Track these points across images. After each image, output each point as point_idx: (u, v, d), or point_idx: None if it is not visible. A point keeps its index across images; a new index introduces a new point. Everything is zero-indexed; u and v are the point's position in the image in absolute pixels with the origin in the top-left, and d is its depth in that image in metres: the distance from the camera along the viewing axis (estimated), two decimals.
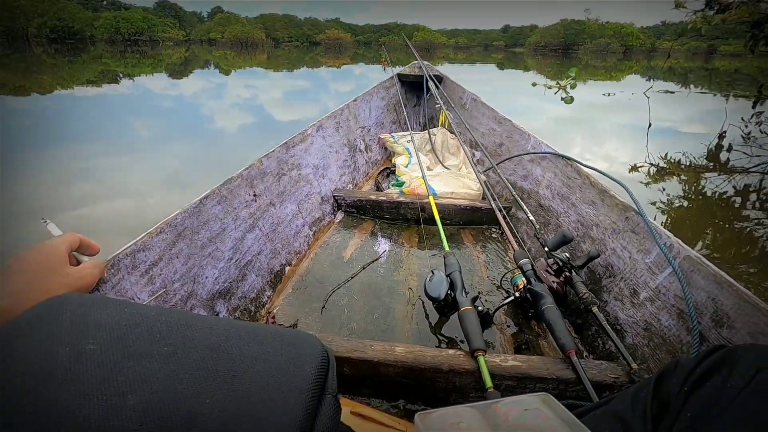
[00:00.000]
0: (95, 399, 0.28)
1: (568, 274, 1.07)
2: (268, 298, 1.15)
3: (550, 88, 10.07)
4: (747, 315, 0.72)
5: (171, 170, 3.42)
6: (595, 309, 0.96)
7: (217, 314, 0.97)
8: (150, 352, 0.32)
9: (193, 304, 0.91)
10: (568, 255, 1.10)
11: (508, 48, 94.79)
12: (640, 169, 3.69)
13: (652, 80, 14.70)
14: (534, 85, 11.09)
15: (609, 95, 9.22)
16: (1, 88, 7.88)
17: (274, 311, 1.11)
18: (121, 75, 12.17)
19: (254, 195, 1.22)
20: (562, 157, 1.49)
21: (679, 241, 0.92)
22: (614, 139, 5.17)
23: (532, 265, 1.09)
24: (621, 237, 1.10)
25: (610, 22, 76.10)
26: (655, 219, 1.03)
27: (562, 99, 8.23)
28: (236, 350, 0.35)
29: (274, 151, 1.38)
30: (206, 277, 0.97)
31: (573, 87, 9.89)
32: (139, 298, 0.79)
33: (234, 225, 1.10)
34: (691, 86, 12.54)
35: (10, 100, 6.60)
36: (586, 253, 1.09)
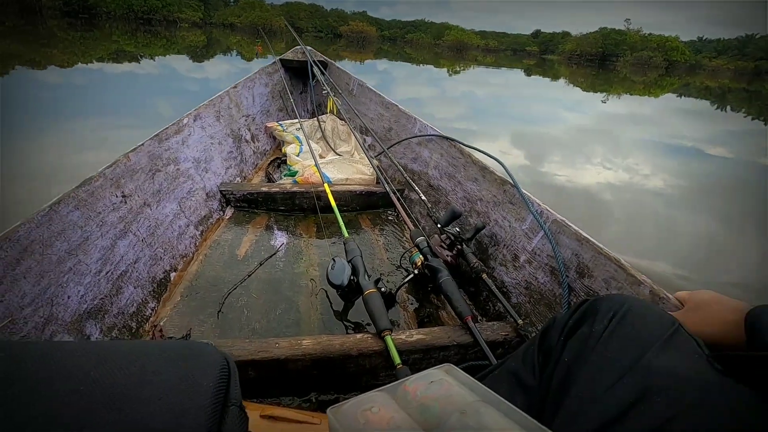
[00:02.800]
0: None
1: (459, 247, 1.15)
2: (152, 310, 1.03)
3: None
4: (602, 265, 0.85)
5: None
6: (484, 276, 1.05)
7: (88, 337, 0.83)
8: None
9: (53, 330, 0.77)
10: (458, 229, 1.18)
11: (540, 54, 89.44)
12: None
13: (683, 97, 14.59)
14: None
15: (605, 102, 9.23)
16: (16, 60, 7.45)
17: (161, 324, 0.99)
18: (141, 55, 11.31)
19: (123, 196, 1.06)
20: (446, 138, 1.58)
21: (548, 207, 1.05)
22: (636, 152, 5.07)
23: (427, 243, 1.15)
24: (501, 208, 1.21)
25: (653, 34, 70.22)
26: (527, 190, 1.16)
27: None
28: (112, 377, 0.29)
29: (143, 144, 1.21)
30: (68, 297, 0.82)
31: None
32: None
33: (100, 232, 0.95)
34: (728, 107, 12.48)
35: (31, 73, 6.40)
36: (473, 226, 1.18)
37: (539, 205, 1.07)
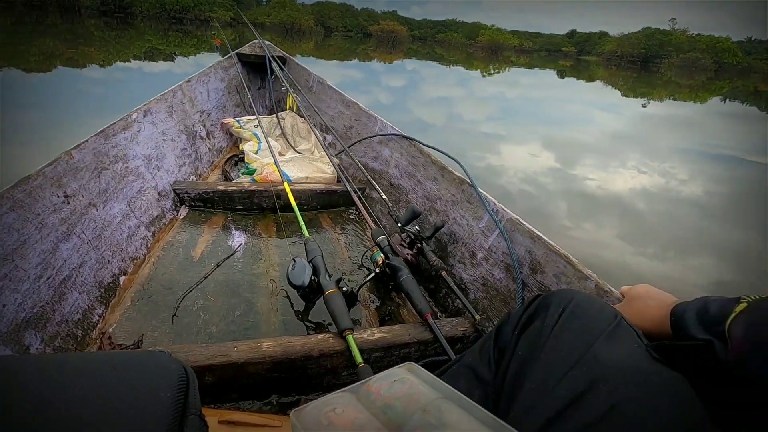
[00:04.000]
0: None
1: (419, 245, 1.17)
2: (100, 316, 0.97)
3: None
4: (552, 261, 0.90)
5: None
6: (444, 273, 1.08)
7: (27, 348, 0.78)
8: None
9: None
10: (418, 228, 1.20)
11: (577, 55, 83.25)
12: None
13: (728, 101, 13.79)
14: None
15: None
16: (57, 59, 7.56)
17: (109, 331, 0.94)
18: (174, 54, 10.96)
19: (65, 196, 0.99)
20: (406, 138, 1.60)
21: (503, 206, 1.09)
22: (674, 157, 4.88)
23: (388, 241, 1.16)
24: (460, 207, 1.25)
25: (701, 35, 64.51)
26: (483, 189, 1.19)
27: None
28: (60, 392, 0.28)
29: (87, 141, 1.13)
30: (3, 306, 0.76)
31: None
32: None
33: (39, 235, 0.88)
34: None
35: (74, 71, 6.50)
36: (433, 224, 1.20)
37: (495, 204, 1.11)
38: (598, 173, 3.93)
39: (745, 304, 0.43)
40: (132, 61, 8.83)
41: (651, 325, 0.56)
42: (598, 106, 9.56)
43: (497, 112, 7.55)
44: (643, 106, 10.13)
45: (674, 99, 13.00)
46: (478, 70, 19.93)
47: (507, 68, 23.82)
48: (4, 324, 0.75)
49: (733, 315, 0.43)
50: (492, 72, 19.59)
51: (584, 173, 3.89)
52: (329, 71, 11.73)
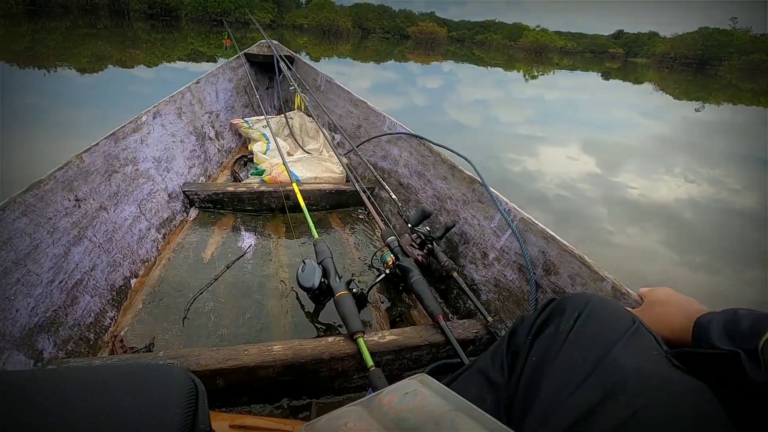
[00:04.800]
0: None
1: (430, 246, 1.15)
2: (112, 320, 0.98)
3: None
4: (567, 262, 0.88)
5: None
6: (455, 274, 1.06)
7: (41, 352, 0.78)
8: None
9: (1, 347, 0.71)
10: (428, 228, 1.18)
11: (626, 57, 77.97)
12: None
13: None
14: None
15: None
16: (107, 60, 8.18)
17: (121, 334, 0.95)
18: (217, 56, 11.40)
19: (76, 199, 1.00)
20: (415, 136, 1.58)
21: (515, 206, 1.07)
22: (726, 165, 4.58)
23: (398, 242, 1.15)
24: (470, 207, 1.23)
25: (767, 35, 58.29)
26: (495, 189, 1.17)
27: None
28: (69, 407, 0.27)
29: (98, 144, 1.14)
30: (17, 310, 0.76)
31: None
32: None
33: (51, 239, 0.89)
34: None
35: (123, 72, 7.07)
36: (443, 224, 1.19)
37: (507, 203, 1.09)
38: (641, 180, 3.76)
39: None
40: (177, 62, 9.19)
41: (671, 333, 0.54)
42: (643, 110, 9.16)
43: (536, 115, 7.35)
44: (697, 110, 9.56)
45: (733, 104, 12.02)
46: (520, 72, 19.23)
47: (552, 71, 22.77)
48: (18, 329, 0.76)
49: None
50: (536, 74, 18.92)
51: (626, 180, 3.72)
52: (366, 72, 11.89)
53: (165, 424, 0.28)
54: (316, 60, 14.40)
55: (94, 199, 1.06)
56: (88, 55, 8.68)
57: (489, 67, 20.92)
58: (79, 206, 1.00)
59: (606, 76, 22.59)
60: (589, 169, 4.00)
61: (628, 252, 2.39)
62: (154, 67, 8.09)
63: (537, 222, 0.99)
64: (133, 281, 1.10)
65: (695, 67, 54.88)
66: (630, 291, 0.75)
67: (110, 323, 0.97)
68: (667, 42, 66.41)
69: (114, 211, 1.12)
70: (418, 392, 0.38)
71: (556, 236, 0.93)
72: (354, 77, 10.60)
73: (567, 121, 7.20)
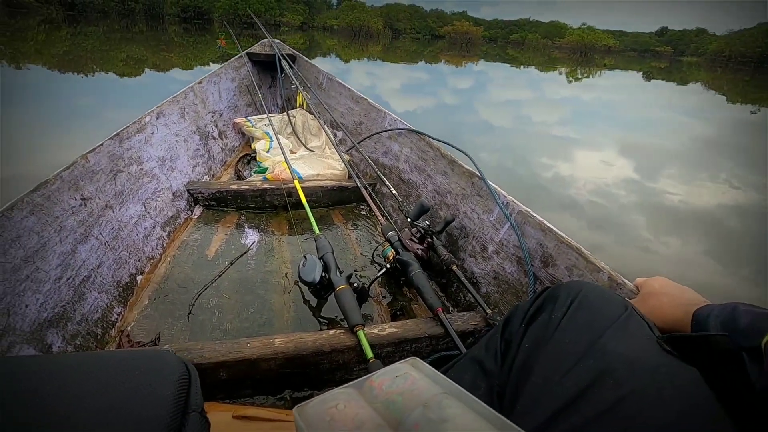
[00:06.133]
0: None
1: (430, 240, 1.16)
2: (119, 315, 1.00)
3: None
4: (564, 254, 0.89)
5: None
6: (454, 267, 1.07)
7: (50, 347, 0.81)
8: None
9: (11, 341, 0.74)
10: (428, 222, 1.19)
11: (675, 55, 73.66)
12: None
13: None
14: None
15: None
16: (144, 64, 8.55)
17: (128, 329, 0.97)
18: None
19: (82, 199, 1.02)
20: (415, 132, 1.59)
21: (514, 199, 1.08)
22: None
23: (398, 237, 1.16)
24: (470, 201, 1.24)
25: None
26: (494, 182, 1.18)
27: None
28: (63, 390, 0.29)
29: (102, 144, 1.16)
30: (26, 306, 0.79)
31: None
32: None
33: (58, 237, 0.91)
34: None
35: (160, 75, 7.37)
36: (443, 218, 1.20)
37: (505, 196, 1.10)
38: (682, 186, 3.59)
39: None
40: (211, 64, 9.31)
41: (666, 323, 0.55)
42: (687, 111, 8.76)
43: (570, 116, 7.12)
44: (753, 113, 8.82)
45: None
46: (562, 72, 18.41)
47: (598, 72, 21.38)
48: (28, 324, 0.78)
49: None
50: (580, 77, 17.73)
51: (665, 186, 3.53)
52: (396, 74, 11.91)
53: (157, 404, 0.29)
54: (346, 62, 14.33)
55: (99, 198, 1.08)
56: (125, 58, 9.08)
57: (524, 67, 20.18)
58: (85, 205, 1.02)
59: (648, 76, 21.27)
60: (625, 174, 3.84)
61: (667, 261, 2.30)
62: (189, 70, 8.38)
63: (535, 214, 1.00)
64: (138, 278, 1.12)
65: (753, 66, 50.17)
66: (626, 281, 0.76)
67: (117, 318, 0.99)
68: (722, 39, 61.22)
69: (119, 209, 1.14)
70: (409, 375, 0.39)
71: (554, 228, 0.93)
72: (384, 77, 10.67)
73: (603, 122, 6.93)
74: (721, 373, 0.43)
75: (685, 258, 2.38)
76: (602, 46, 67.83)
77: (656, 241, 2.53)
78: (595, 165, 4.14)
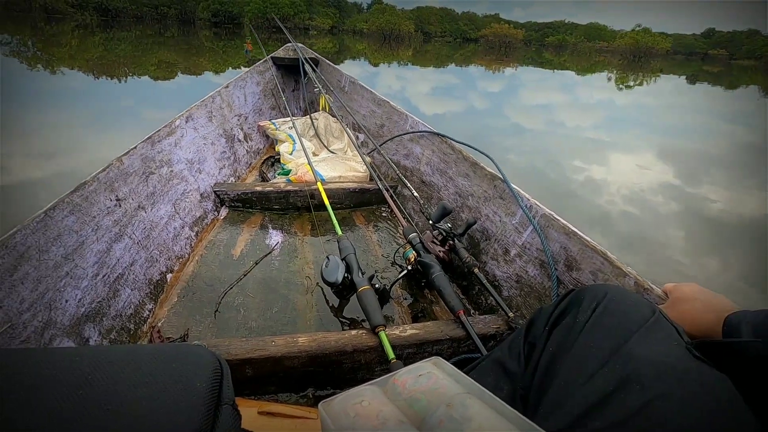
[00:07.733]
0: None
1: (451, 242, 1.16)
2: (150, 311, 1.04)
3: None
4: (588, 258, 0.88)
5: None
6: (476, 270, 1.07)
7: (87, 340, 0.85)
8: None
9: (52, 334, 0.78)
10: (450, 225, 1.19)
11: (730, 59, 68.79)
12: None
13: None
14: None
15: None
16: (176, 67, 9.05)
17: (159, 325, 1.01)
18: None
19: (117, 199, 1.07)
20: (438, 134, 1.59)
21: (537, 202, 1.07)
22: None
23: (420, 239, 1.17)
24: (492, 203, 1.23)
25: None
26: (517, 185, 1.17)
27: None
28: (109, 380, 0.31)
29: (135, 147, 1.22)
30: (66, 301, 0.83)
31: None
32: None
33: (95, 236, 0.96)
34: None
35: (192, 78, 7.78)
36: (465, 221, 1.19)
37: (528, 199, 1.09)
38: (724, 193, 3.43)
39: None
40: (242, 68, 9.71)
41: (697, 331, 0.53)
42: (729, 117, 8.41)
43: (603, 120, 6.91)
44: None
45: None
46: (611, 77, 17.42)
47: (653, 77, 20.13)
48: (67, 318, 0.82)
49: None
50: (631, 84, 16.39)
51: (705, 192, 3.38)
52: (427, 76, 11.94)
53: (193, 395, 0.31)
54: (375, 65, 14.30)
55: (132, 199, 1.13)
56: (156, 63, 9.53)
57: (554, 71, 19.50)
58: (120, 205, 1.07)
59: (692, 80, 20.07)
60: (663, 179, 3.66)
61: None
62: (221, 73, 8.79)
63: (558, 218, 0.99)
64: (168, 276, 1.16)
65: None
66: (654, 287, 0.74)
67: (148, 315, 1.03)
68: None
69: (151, 210, 1.19)
70: (432, 374, 0.40)
71: (578, 232, 0.92)
72: (414, 81, 10.69)
73: (640, 126, 6.67)
74: (753, 380, 0.42)
75: (724, 283, 2.16)
76: (660, 49, 63.88)
77: (693, 264, 2.32)
78: (631, 169, 3.99)
